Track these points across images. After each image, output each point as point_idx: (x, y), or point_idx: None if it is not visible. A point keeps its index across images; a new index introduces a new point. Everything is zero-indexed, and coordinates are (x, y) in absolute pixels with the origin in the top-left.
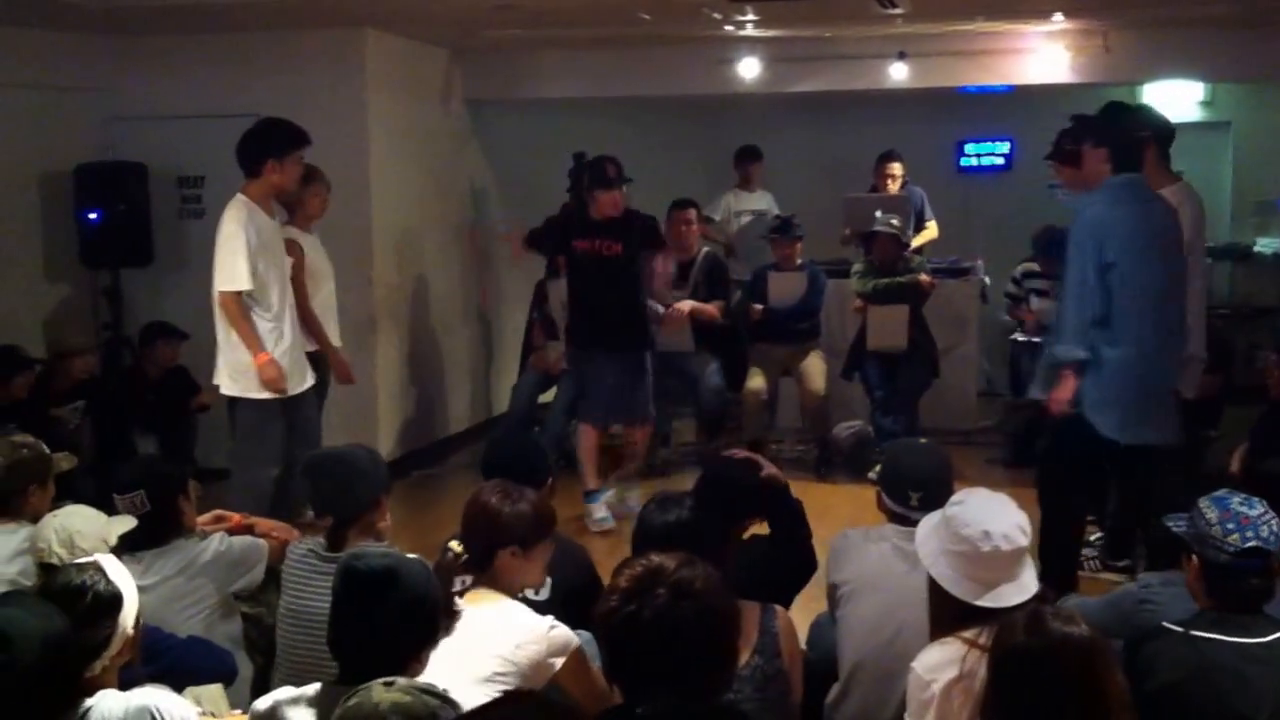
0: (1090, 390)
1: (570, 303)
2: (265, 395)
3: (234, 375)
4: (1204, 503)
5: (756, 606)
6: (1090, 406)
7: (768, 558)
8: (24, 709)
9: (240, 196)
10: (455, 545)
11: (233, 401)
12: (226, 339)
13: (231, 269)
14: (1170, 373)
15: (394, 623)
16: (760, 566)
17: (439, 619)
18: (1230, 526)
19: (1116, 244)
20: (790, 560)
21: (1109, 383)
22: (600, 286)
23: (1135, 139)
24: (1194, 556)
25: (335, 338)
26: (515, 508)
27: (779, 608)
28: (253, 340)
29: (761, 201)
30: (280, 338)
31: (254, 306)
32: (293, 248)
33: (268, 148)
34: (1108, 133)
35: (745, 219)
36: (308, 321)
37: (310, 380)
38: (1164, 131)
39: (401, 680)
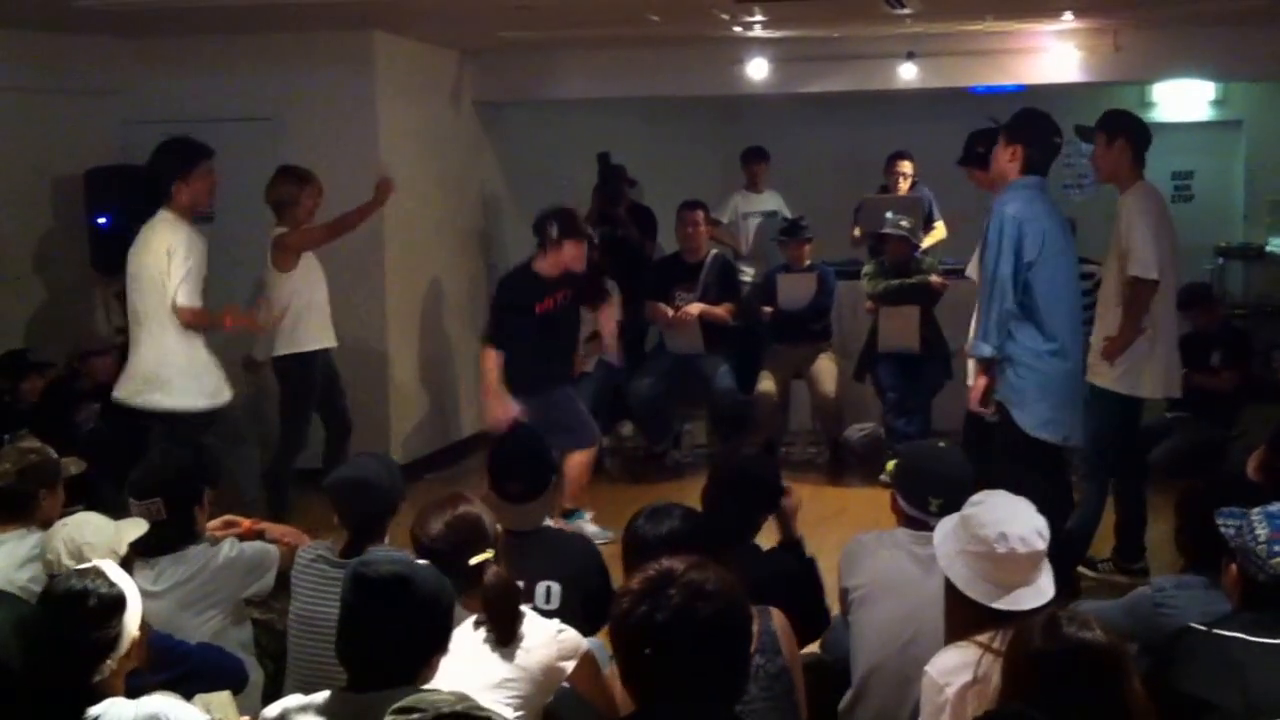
0: (1015, 387)
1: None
2: (201, 405)
3: (168, 386)
4: (1256, 515)
5: (752, 608)
6: (1016, 404)
7: (777, 576)
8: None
9: (167, 213)
10: (482, 556)
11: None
12: (176, 345)
13: (185, 285)
14: (1080, 370)
15: (405, 630)
16: (773, 584)
17: (450, 625)
18: (1277, 549)
19: (1037, 242)
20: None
21: (1033, 380)
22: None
23: (1053, 145)
24: (1234, 564)
25: (317, 339)
26: (472, 505)
27: (773, 609)
28: (214, 315)
29: (770, 202)
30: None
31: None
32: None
33: (169, 171)
34: (1026, 134)
35: (754, 220)
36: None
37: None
38: (1142, 134)
39: (461, 708)
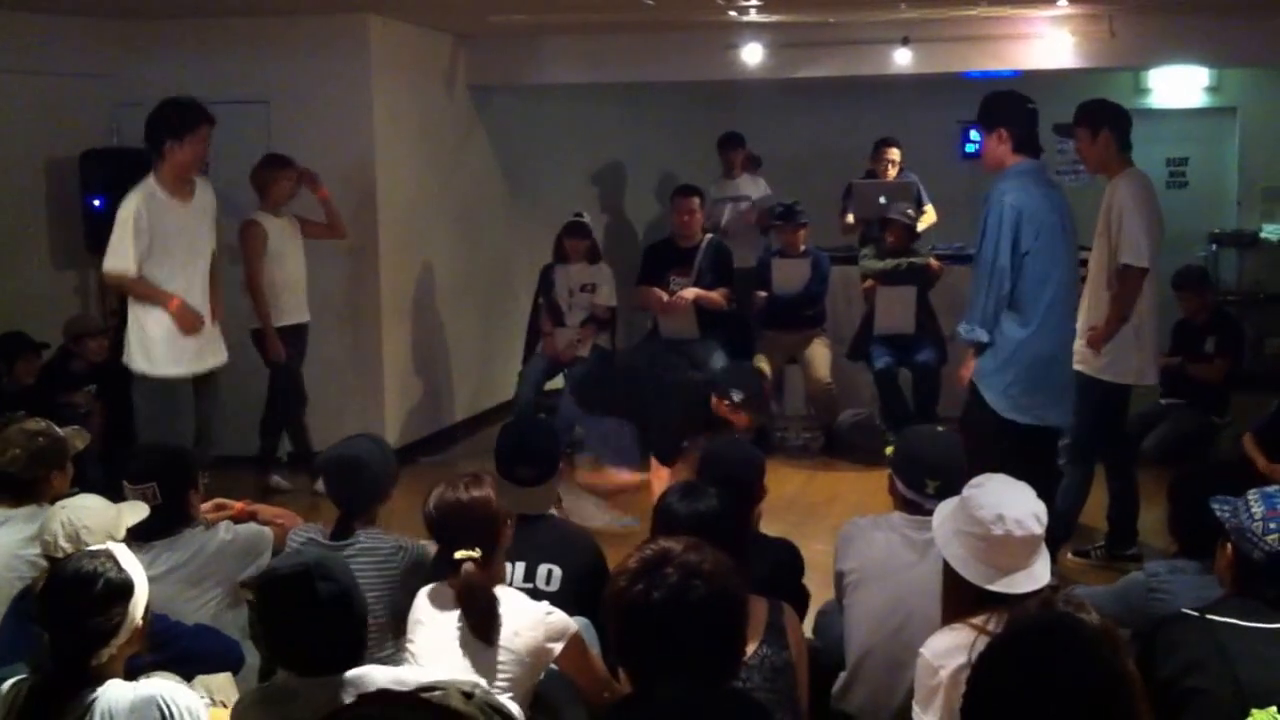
0: (983, 369)
1: None
2: (170, 373)
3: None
4: (1252, 495)
5: (764, 601)
6: (990, 387)
7: (780, 566)
8: None
9: (148, 178)
10: (466, 553)
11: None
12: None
13: (116, 250)
14: (1068, 355)
15: (327, 619)
16: (776, 574)
17: (364, 612)
18: (1273, 525)
19: (1033, 230)
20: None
21: (1012, 364)
22: None
23: (1030, 113)
24: (1229, 545)
25: (291, 315)
26: (487, 489)
27: (786, 605)
28: (157, 293)
29: (746, 188)
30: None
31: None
32: (254, 228)
33: (165, 129)
34: (1003, 116)
35: (726, 206)
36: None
37: (212, 363)
38: (1123, 119)
39: (479, 692)
